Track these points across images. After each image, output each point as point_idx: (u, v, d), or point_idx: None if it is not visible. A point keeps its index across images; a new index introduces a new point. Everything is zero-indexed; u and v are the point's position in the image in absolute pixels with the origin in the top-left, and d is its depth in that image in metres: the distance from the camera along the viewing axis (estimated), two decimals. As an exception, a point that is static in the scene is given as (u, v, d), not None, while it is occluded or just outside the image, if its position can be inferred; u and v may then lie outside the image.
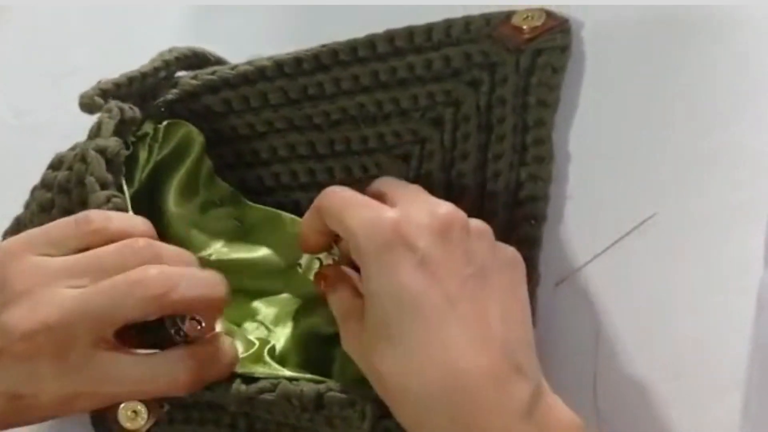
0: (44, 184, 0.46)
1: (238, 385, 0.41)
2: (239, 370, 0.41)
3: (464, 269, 0.36)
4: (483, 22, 0.45)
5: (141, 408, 0.43)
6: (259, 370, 0.42)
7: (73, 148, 0.47)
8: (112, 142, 0.44)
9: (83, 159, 0.43)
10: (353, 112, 0.47)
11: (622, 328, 0.41)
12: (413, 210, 0.37)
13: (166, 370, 0.38)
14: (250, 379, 0.41)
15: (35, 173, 0.49)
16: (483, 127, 0.45)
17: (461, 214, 0.37)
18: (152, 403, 0.43)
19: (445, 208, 0.37)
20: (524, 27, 0.45)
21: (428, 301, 0.35)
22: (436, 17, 0.47)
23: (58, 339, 0.36)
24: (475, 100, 0.45)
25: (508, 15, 0.45)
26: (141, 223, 0.41)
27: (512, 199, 0.44)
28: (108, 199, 0.42)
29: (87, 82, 0.47)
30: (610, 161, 0.44)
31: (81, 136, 0.49)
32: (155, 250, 0.39)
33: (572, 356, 0.42)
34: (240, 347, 0.43)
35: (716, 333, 0.40)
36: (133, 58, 0.48)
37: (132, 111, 0.45)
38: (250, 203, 0.48)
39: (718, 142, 0.42)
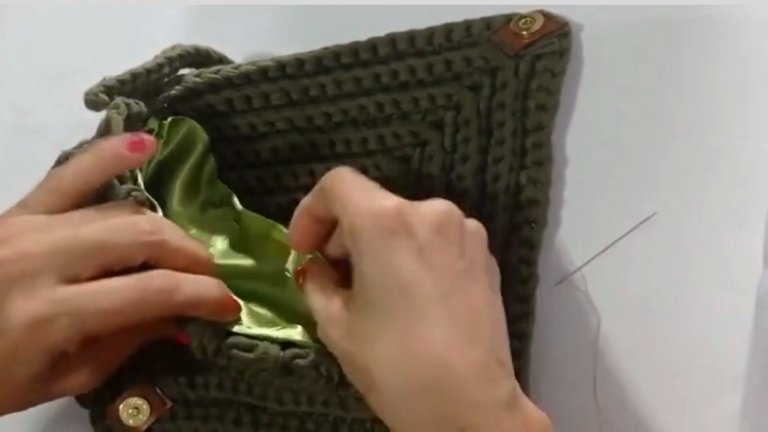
0: None
1: (276, 350, 0.41)
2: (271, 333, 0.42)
3: (457, 263, 0.36)
4: (483, 25, 0.46)
5: (143, 405, 0.43)
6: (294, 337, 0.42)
7: (80, 146, 0.47)
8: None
9: None
10: (354, 113, 0.48)
11: (622, 328, 0.42)
12: (415, 203, 0.38)
13: (137, 289, 0.38)
14: (286, 345, 0.41)
15: (35, 173, 0.49)
16: (483, 130, 0.45)
17: (459, 211, 0.38)
18: (155, 400, 0.43)
19: (445, 204, 0.38)
20: (523, 32, 0.45)
21: (422, 290, 0.35)
22: (437, 17, 0.47)
23: (25, 269, 0.37)
24: (476, 104, 0.46)
25: (508, 18, 0.46)
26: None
27: (512, 202, 0.44)
28: (129, 193, 0.43)
29: (87, 82, 0.47)
30: (611, 160, 0.44)
31: (81, 135, 0.49)
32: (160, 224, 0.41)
33: (572, 356, 0.42)
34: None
35: (716, 333, 0.40)
36: (133, 58, 0.48)
37: (138, 106, 0.46)
38: (245, 211, 0.48)
39: (718, 142, 0.43)
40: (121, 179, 0.43)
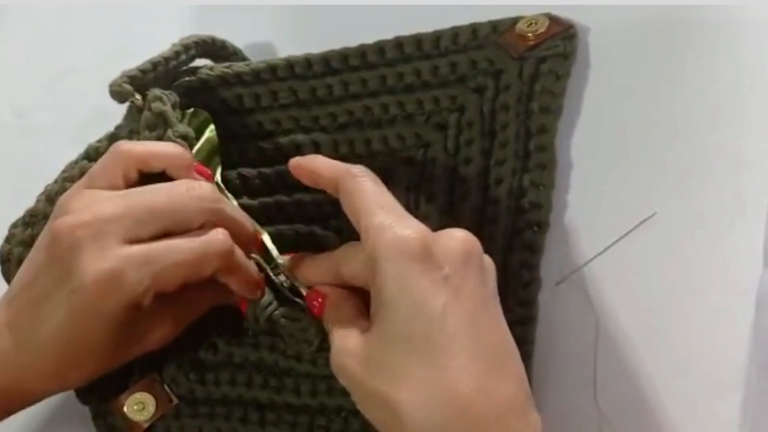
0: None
1: (317, 324, 0.41)
2: None
3: (482, 291, 0.36)
4: (490, 28, 0.46)
5: (149, 400, 0.43)
6: None
7: (106, 138, 0.47)
8: (185, 128, 0.44)
9: None
10: (359, 115, 0.48)
11: (622, 328, 0.42)
12: (437, 233, 0.37)
13: (202, 244, 0.40)
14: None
15: (35, 173, 0.49)
16: (486, 132, 0.46)
17: (478, 241, 0.38)
18: (161, 396, 0.43)
19: (466, 233, 0.38)
20: (528, 34, 0.46)
21: (453, 319, 0.35)
22: (444, 19, 0.47)
23: (94, 232, 0.38)
24: (479, 106, 0.46)
25: (514, 21, 0.46)
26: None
27: (515, 205, 0.44)
28: None
29: (87, 82, 0.47)
30: (610, 161, 0.44)
31: (80, 135, 0.49)
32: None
33: (572, 355, 0.42)
34: None
35: (716, 333, 0.40)
36: (133, 58, 0.48)
37: (173, 96, 0.46)
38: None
39: (718, 142, 0.43)
40: None
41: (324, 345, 0.41)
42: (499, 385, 0.34)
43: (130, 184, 0.41)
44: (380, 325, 0.36)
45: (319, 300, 0.41)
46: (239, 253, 0.41)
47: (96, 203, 0.40)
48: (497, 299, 0.37)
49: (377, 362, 0.36)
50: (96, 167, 0.42)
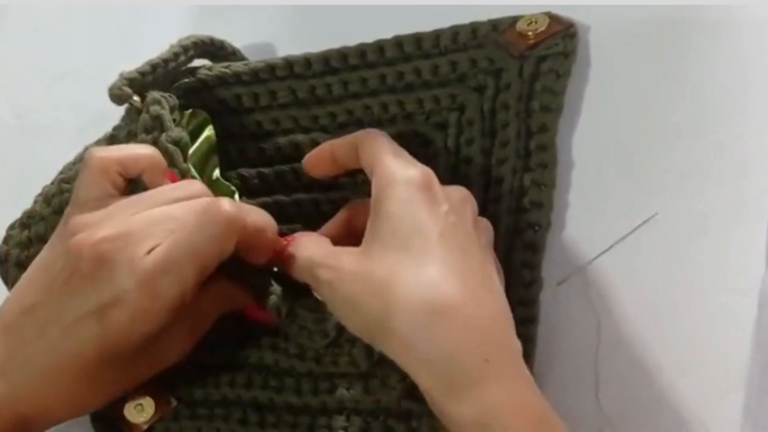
0: None
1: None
2: None
3: (476, 240, 0.39)
4: (490, 27, 0.46)
5: (147, 402, 0.43)
6: None
7: (105, 139, 0.47)
8: (179, 133, 0.45)
9: (165, 152, 0.44)
10: (359, 114, 0.48)
11: (624, 328, 0.42)
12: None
13: (212, 217, 0.40)
14: None
15: (35, 173, 0.49)
16: (487, 132, 0.46)
17: (474, 200, 0.41)
18: (160, 398, 0.43)
19: (466, 189, 0.41)
20: (529, 33, 0.46)
21: (448, 246, 0.37)
22: (444, 18, 0.47)
23: (124, 244, 0.39)
24: (480, 105, 0.46)
25: (514, 20, 0.46)
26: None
27: (516, 205, 0.44)
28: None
29: (87, 82, 0.47)
30: (610, 161, 0.45)
31: (81, 135, 0.49)
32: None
33: (574, 355, 0.42)
34: None
35: (717, 333, 0.40)
36: (133, 58, 0.48)
37: (172, 98, 0.46)
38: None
39: (718, 141, 0.43)
40: (184, 175, 0.45)
41: (338, 341, 0.41)
42: (485, 299, 0.37)
43: (119, 190, 0.42)
44: (378, 233, 0.38)
45: (288, 239, 0.42)
46: (256, 214, 0.41)
47: (118, 213, 0.40)
48: (491, 254, 0.40)
49: (374, 255, 0.38)
50: (79, 185, 0.42)
